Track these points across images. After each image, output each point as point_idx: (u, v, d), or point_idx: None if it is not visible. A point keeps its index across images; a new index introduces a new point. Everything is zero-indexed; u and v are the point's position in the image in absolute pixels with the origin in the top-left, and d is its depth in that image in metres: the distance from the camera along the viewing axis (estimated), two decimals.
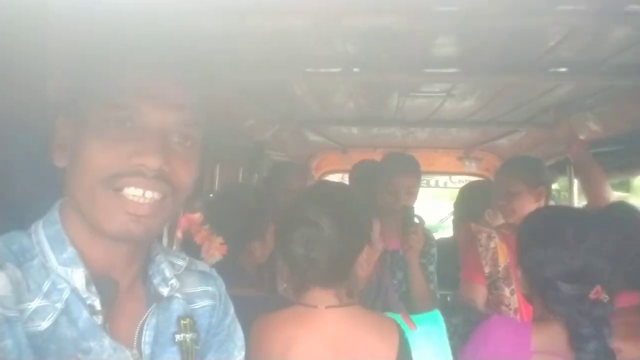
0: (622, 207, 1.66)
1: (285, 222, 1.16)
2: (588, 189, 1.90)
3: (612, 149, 2.04)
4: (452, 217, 3.08)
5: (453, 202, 2.98)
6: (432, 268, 2.15)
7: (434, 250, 2.19)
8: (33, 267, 0.70)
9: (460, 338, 1.10)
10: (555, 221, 1.25)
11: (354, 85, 1.70)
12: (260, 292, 1.42)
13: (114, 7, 0.71)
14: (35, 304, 0.67)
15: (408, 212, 2.01)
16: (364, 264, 1.13)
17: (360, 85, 1.70)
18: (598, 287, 1.11)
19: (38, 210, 0.79)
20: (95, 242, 0.74)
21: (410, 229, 1.95)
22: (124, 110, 0.72)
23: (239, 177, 2.74)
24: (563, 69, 1.32)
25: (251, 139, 2.45)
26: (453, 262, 2.25)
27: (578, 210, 1.93)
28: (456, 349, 1.07)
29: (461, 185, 3.39)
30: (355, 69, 1.40)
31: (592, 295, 1.11)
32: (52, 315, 0.68)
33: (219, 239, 1.31)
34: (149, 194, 0.71)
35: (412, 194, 2.16)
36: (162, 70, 0.75)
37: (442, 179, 4.44)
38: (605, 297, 1.11)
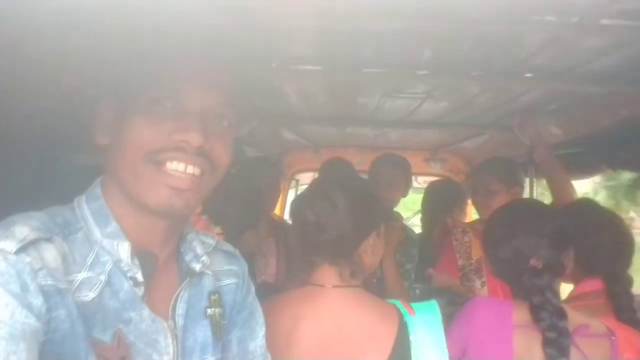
0: (583, 202, 1.82)
1: (304, 193, 1.26)
2: (553, 188, 2.02)
3: (572, 151, 2.20)
4: (419, 216, 3.20)
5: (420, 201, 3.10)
6: (409, 266, 2.22)
7: (415, 252, 2.27)
8: (77, 240, 0.72)
9: (446, 318, 1.19)
10: (506, 210, 1.49)
11: (336, 83, 1.75)
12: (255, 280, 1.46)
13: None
14: (82, 275, 0.70)
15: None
16: (369, 251, 1.21)
17: (342, 84, 1.76)
18: (534, 258, 1.32)
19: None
20: (135, 218, 0.77)
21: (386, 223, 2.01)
22: (167, 91, 0.75)
23: None
24: (530, 75, 1.44)
25: None
26: (421, 257, 2.35)
27: (532, 201, 2.07)
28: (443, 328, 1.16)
29: (426, 185, 3.52)
30: (340, 68, 1.45)
31: (527, 265, 1.31)
32: (98, 287, 0.70)
33: (217, 229, 1.34)
34: (190, 169, 0.75)
35: (394, 187, 2.21)
36: (201, 55, 0.79)
37: None
38: (539, 264, 1.31)
